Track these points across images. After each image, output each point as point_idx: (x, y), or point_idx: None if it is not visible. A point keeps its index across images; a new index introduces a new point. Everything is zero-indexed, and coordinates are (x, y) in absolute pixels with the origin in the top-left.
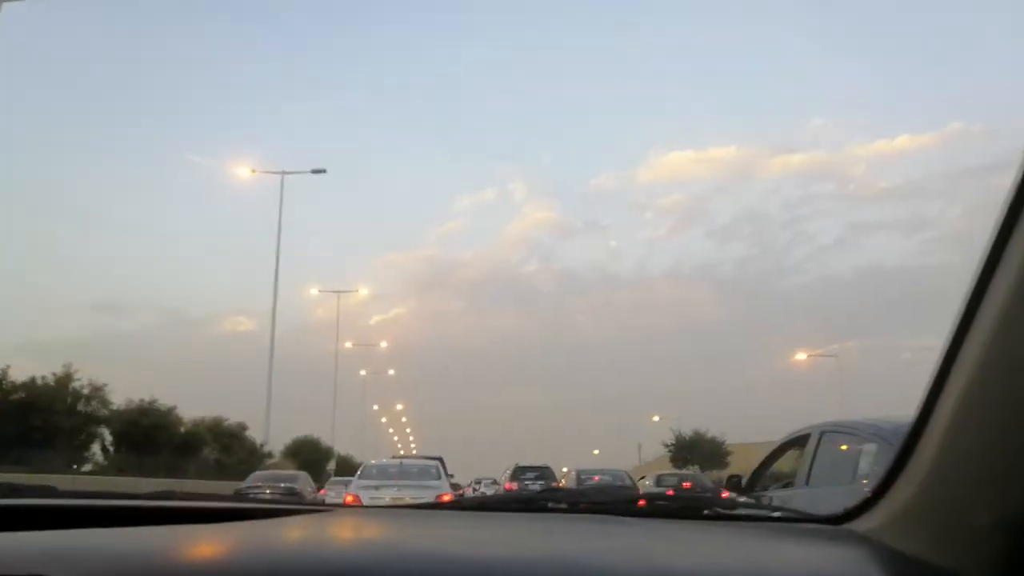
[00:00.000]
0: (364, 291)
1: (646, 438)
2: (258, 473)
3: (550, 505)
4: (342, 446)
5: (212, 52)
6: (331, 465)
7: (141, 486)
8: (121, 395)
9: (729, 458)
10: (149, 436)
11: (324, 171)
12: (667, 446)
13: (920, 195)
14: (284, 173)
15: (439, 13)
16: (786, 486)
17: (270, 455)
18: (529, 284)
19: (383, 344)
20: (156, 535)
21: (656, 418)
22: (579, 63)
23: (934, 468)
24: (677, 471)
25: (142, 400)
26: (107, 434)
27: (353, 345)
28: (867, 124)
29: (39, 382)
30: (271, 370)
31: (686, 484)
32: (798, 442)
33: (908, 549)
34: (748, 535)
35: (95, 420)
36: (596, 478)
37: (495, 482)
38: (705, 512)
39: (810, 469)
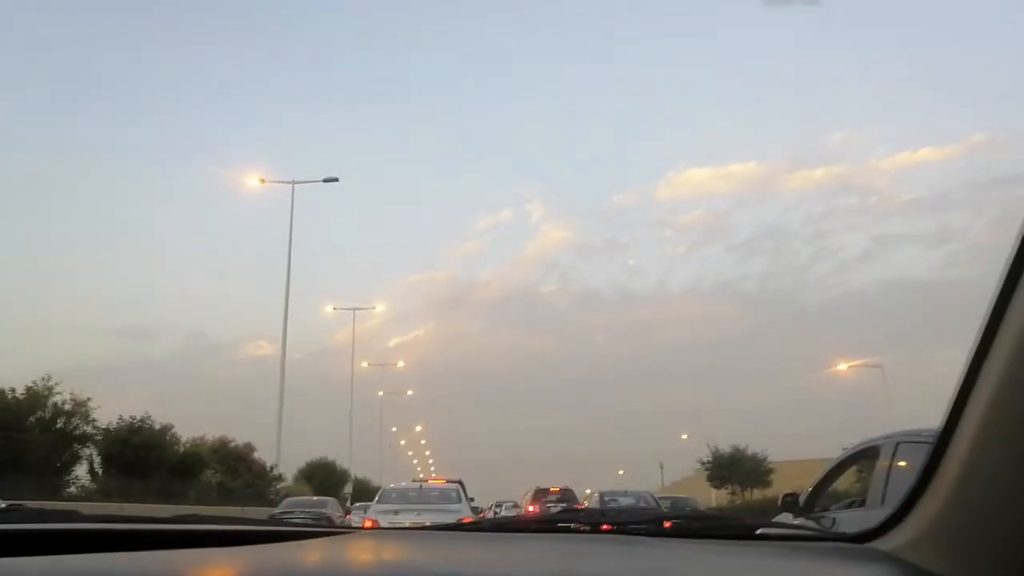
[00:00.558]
0: (380, 308)
1: (674, 457)
2: (290, 499)
3: (570, 526)
4: (359, 469)
5: (234, 67)
6: (347, 488)
7: (127, 512)
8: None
9: (771, 476)
10: (140, 457)
11: (336, 179)
12: (704, 464)
13: (945, 207)
14: (295, 183)
15: (457, 32)
16: (851, 505)
17: (280, 478)
18: (548, 303)
19: (400, 364)
20: (180, 558)
21: (684, 436)
22: (596, 81)
23: (960, 484)
24: (617, 491)
25: (132, 417)
26: (95, 455)
27: (369, 364)
28: (889, 136)
29: (8, 395)
30: (282, 389)
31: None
32: (866, 455)
33: (934, 567)
34: (772, 554)
35: (76, 439)
36: (641, 502)
37: (516, 505)
38: (727, 532)
39: (886, 485)
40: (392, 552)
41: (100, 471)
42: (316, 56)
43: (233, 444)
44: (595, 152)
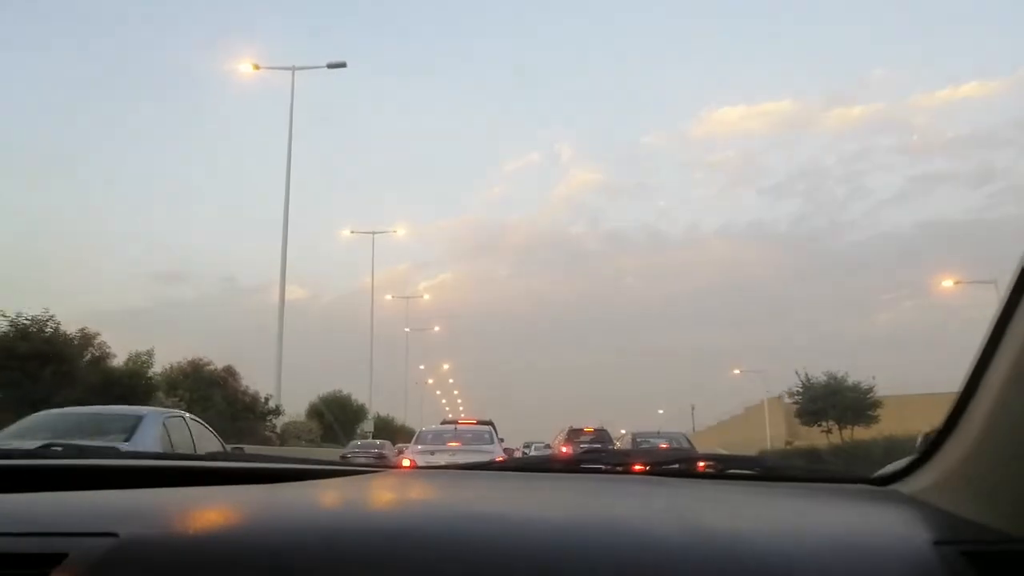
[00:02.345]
0: (399, 223)
1: (719, 397)
2: (355, 441)
3: (598, 467)
4: (383, 407)
5: None
6: (366, 426)
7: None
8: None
9: (879, 411)
10: (30, 373)
11: (343, 65)
12: (793, 395)
13: (988, 144)
14: (295, 69)
15: None
16: None
17: (278, 411)
18: (577, 246)
19: (425, 296)
20: (222, 494)
21: (737, 371)
22: (626, 19)
23: (985, 428)
24: (650, 432)
25: (25, 317)
26: None
27: (393, 297)
28: (931, 72)
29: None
30: (282, 310)
31: (663, 446)
32: None
33: (957, 510)
34: (795, 495)
35: None
36: (664, 445)
37: (548, 446)
38: (749, 473)
39: None
40: (421, 490)
41: None
42: None
43: (210, 367)
44: (625, 92)
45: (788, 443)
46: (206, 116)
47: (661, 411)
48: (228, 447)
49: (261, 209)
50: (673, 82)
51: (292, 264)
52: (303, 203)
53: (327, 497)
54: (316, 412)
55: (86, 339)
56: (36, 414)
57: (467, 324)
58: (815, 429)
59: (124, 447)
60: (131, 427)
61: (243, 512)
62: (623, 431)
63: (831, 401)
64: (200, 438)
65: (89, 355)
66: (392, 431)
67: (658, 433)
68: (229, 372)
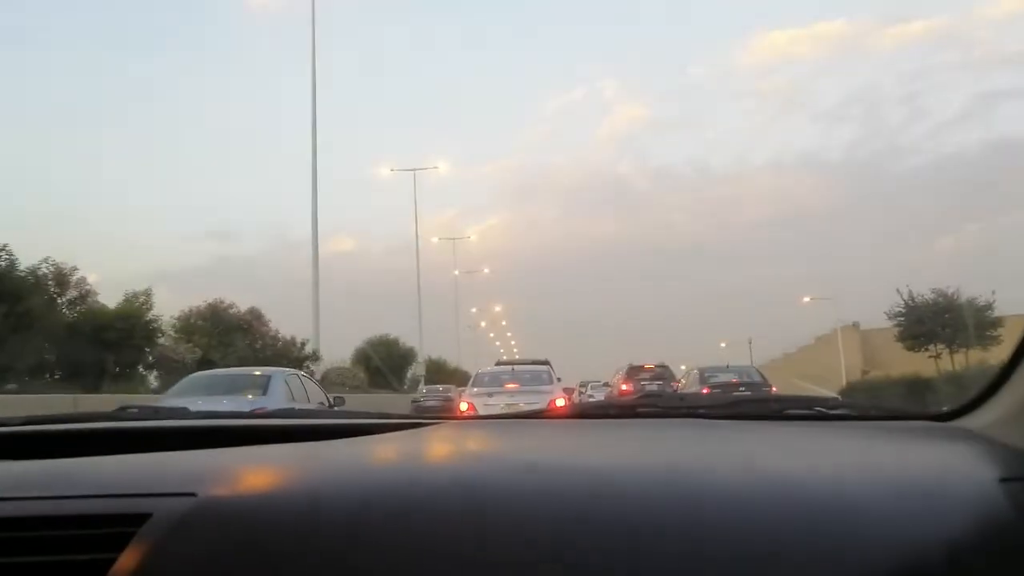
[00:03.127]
0: (442, 167)
1: (789, 325)
2: (425, 387)
3: (647, 411)
4: (434, 350)
5: None
6: (417, 370)
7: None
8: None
9: (1000, 332)
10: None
11: None
12: (895, 317)
13: None
14: None
15: None
16: None
17: (315, 356)
18: (624, 184)
19: (471, 237)
20: (292, 451)
21: (807, 299)
22: None
23: None
24: (719, 366)
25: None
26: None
27: (440, 239)
28: None
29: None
30: (316, 249)
31: (733, 380)
32: None
33: (1023, 444)
34: (856, 434)
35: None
36: (734, 379)
37: (606, 384)
38: (808, 413)
39: None
40: (485, 442)
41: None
42: None
43: (232, 311)
44: (668, 21)
45: (865, 372)
46: (248, 68)
47: (723, 344)
48: (331, 397)
49: (302, 158)
50: (717, 7)
51: (341, 213)
52: (346, 152)
53: (395, 452)
54: (363, 357)
55: (60, 277)
56: (189, 376)
57: (517, 267)
58: (896, 357)
59: (262, 400)
60: (264, 384)
61: (314, 470)
62: (684, 367)
63: (940, 321)
64: (311, 392)
65: (68, 296)
66: (446, 374)
67: (727, 367)
68: (254, 315)
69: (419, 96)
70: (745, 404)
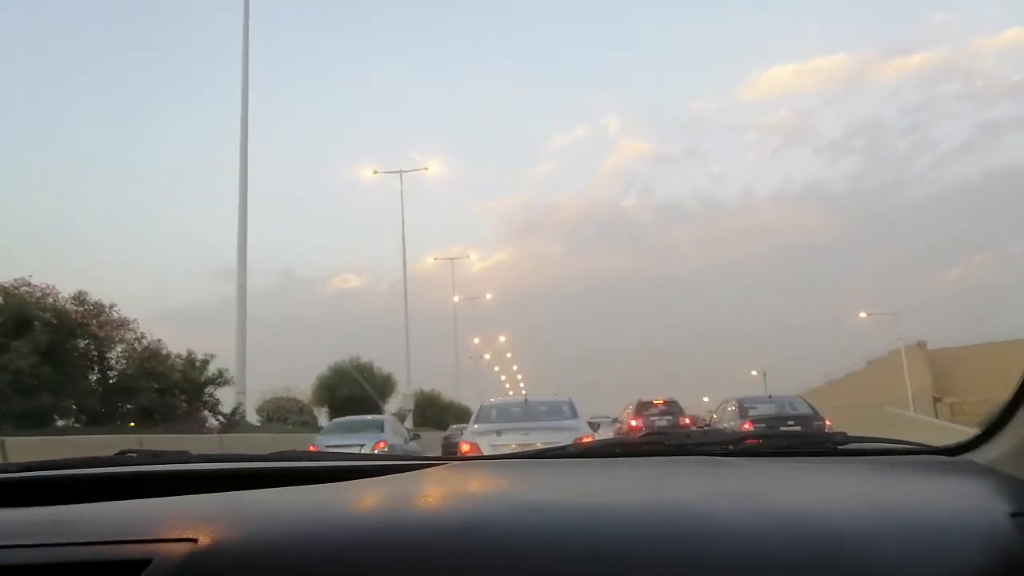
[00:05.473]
0: (431, 168)
1: (829, 351)
2: (453, 426)
3: (655, 449)
4: (426, 380)
5: None
6: (405, 403)
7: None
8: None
9: None
10: None
11: None
12: None
13: None
14: None
15: None
16: None
17: (220, 379)
18: (629, 219)
19: (472, 256)
20: (293, 495)
21: (863, 314)
22: None
23: None
24: (759, 397)
25: None
26: None
27: (436, 260)
28: (995, 12)
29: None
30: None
31: (782, 413)
32: None
33: None
34: (865, 469)
35: None
36: (784, 412)
37: (615, 420)
38: (816, 448)
39: None
40: (471, 484)
41: None
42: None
43: (49, 297)
44: (671, 58)
45: (936, 399)
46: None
47: (755, 372)
48: (410, 433)
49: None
50: (720, 44)
51: (348, 252)
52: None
53: (396, 495)
54: (326, 386)
55: (99, 314)
56: (332, 421)
57: (523, 302)
58: (974, 381)
59: (381, 435)
60: (379, 424)
61: (313, 515)
62: (707, 399)
63: None
64: (400, 430)
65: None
66: (438, 409)
67: (769, 398)
68: (84, 304)
69: (423, 133)
70: (752, 441)
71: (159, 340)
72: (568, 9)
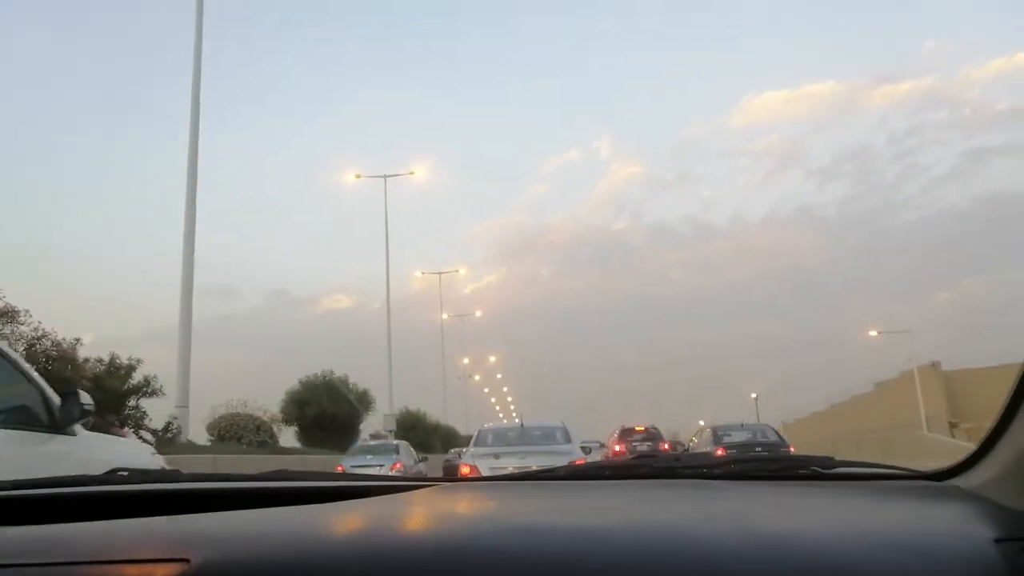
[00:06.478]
0: (415, 173)
1: (851, 362)
2: (454, 450)
3: (643, 471)
4: (413, 401)
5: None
6: (386, 423)
7: None
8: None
9: None
10: None
11: None
12: None
13: None
14: None
15: None
16: None
17: (148, 389)
18: (621, 242)
19: (461, 271)
20: (286, 515)
21: (873, 332)
22: (660, 7)
23: None
24: (732, 424)
25: None
26: None
27: (424, 273)
28: (982, 43)
29: None
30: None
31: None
32: None
33: (1018, 505)
34: (850, 494)
35: None
36: (759, 435)
37: (602, 445)
38: (803, 472)
39: None
40: (461, 504)
41: None
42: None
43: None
44: (663, 83)
45: (952, 424)
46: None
47: (753, 395)
48: (419, 456)
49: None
50: (712, 70)
51: (344, 272)
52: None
53: (388, 516)
54: (295, 402)
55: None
56: (355, 444)
57: (514, 323)
58: (993, 404)
59: (397, 457)
60: (395, 448)
61: (306, 535)
62: (702, 422)
63: None
64: (411, 452)
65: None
66: (424, 431)
67: (741, 426)
68: (66, 352)
69: (415, 153)
70: (740, 463)
71: (77, 340)
72: (561, 33)
